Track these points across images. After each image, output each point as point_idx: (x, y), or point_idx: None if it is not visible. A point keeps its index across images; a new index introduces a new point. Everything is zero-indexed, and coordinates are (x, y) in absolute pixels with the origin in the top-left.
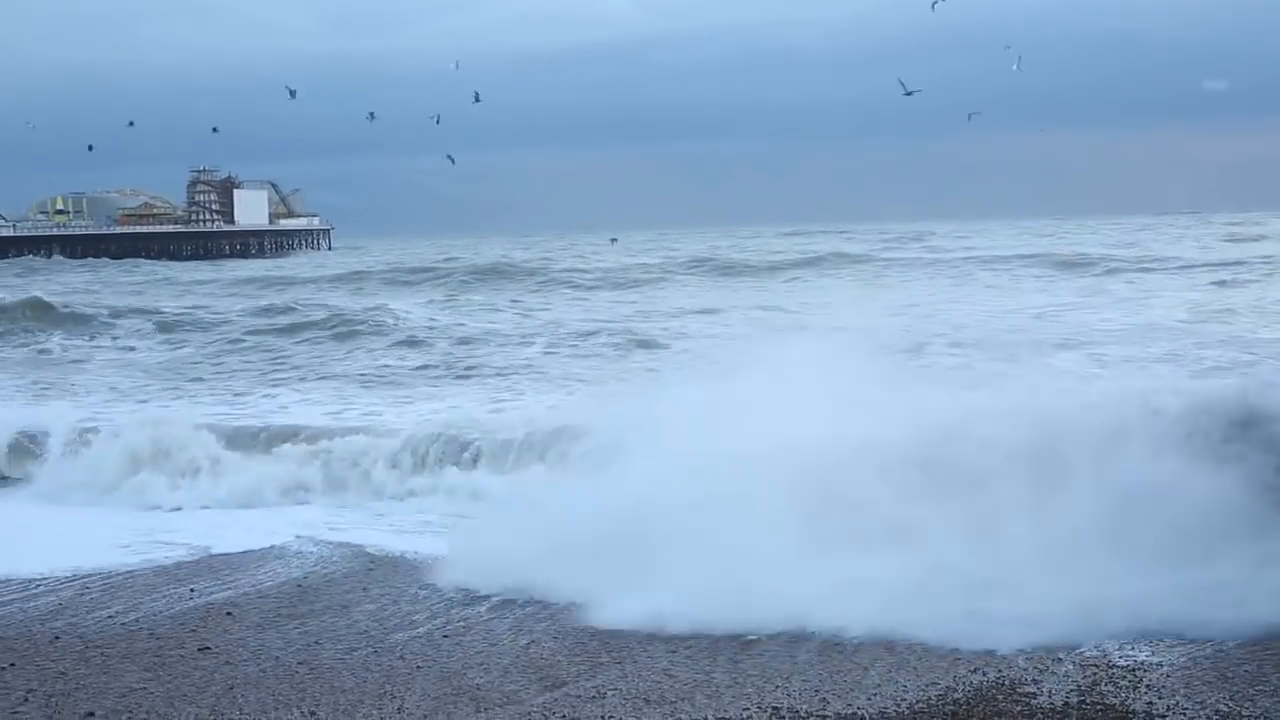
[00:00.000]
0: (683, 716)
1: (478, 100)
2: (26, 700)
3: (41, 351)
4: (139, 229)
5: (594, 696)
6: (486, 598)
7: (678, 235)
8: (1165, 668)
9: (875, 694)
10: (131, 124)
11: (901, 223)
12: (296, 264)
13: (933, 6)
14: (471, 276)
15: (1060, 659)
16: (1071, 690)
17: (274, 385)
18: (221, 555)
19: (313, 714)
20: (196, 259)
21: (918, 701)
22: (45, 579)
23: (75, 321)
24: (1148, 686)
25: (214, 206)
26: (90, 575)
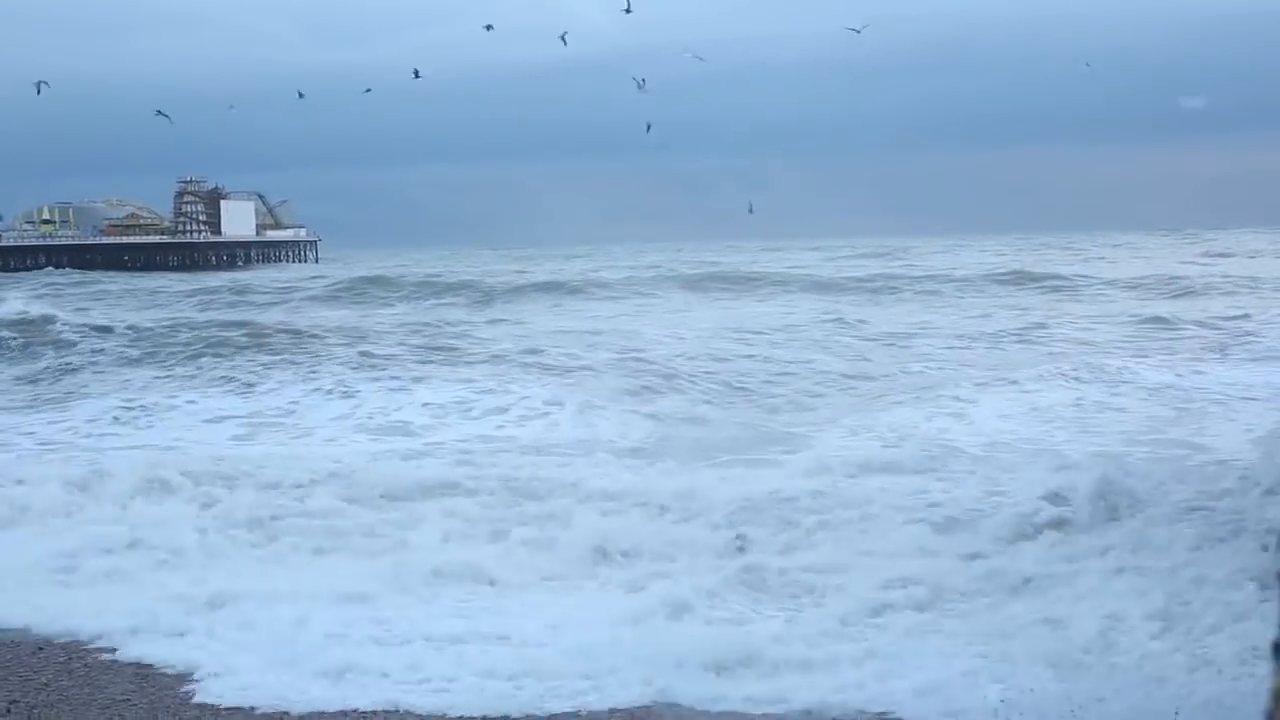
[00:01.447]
0: None
1: (417, 75)
2: (9, 712)
3: None
4: (125, 239)
5: None
6: None
7: (647, 249)
8: None
9: None
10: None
11: (877, 238)
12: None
13: (859, 30)
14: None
15: None
16: None
17: None
18: None
19: None
20: (182, 270)
21: None
22: None
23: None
24: None
25: (201, 217)
26: None
